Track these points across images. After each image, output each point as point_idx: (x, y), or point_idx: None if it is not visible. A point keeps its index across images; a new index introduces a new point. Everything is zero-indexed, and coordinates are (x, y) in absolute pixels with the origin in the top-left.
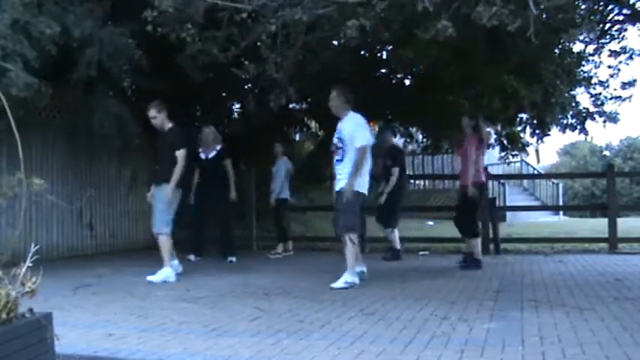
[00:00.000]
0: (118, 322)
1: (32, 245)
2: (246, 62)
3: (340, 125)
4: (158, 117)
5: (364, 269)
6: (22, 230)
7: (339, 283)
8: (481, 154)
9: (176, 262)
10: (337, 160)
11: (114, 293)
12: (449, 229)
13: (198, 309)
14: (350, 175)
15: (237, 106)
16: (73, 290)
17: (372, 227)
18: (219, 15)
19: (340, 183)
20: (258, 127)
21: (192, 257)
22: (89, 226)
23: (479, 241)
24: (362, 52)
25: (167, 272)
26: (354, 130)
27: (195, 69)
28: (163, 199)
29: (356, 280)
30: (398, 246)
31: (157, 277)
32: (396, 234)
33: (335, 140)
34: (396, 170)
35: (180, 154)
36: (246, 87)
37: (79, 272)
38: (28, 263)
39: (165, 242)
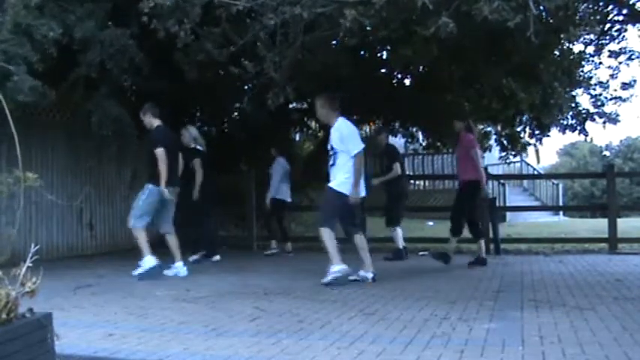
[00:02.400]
0: (118, 322)
1: (32, 245)
2: (245, 61)
3: (331, 132)
4: (144, 119)
5: (368, 276)
6: (22, 230)
7: (328, 278)
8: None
9: (180, 263)
10: (330, 165)
11: (114, 293)
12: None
13: (198, 309)
14: (353, 184)
15: (237, 106)
16: (73, 290)
17: (372, 227)
18: (217, 12)
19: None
20: (258, 127)
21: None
22: (89, 226)
23: (482, 242)
24: (362, 52)
25: (148, 260)
26: (346, 138)
27: (192, 67)
28: (144, 195)
29: (344, 267)
30: (400, 245)
31: (140, 270)
32: (398, 233)
33: (329, 147)
34: (397, 166)
35: (157, 152)
36: (245, 87)
37: (79, 272)
38: (28, 263)
39: (139, 235)
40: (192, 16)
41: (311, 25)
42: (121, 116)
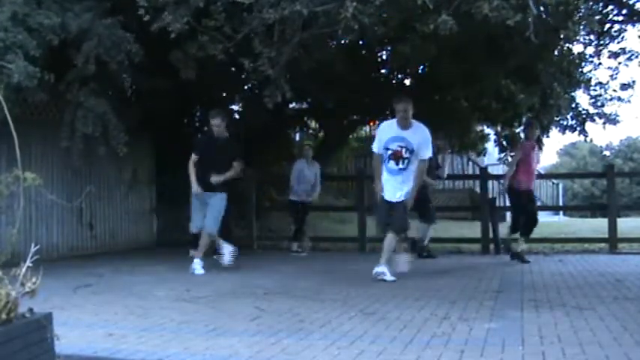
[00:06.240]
0: (118, 321)
1: (32, 245)
2: (241, 58)
3: (405, 134)
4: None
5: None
6: (22, 230)
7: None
8: None
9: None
10: (400, 169)
11: (114, 293)
12: (449, 229)
13: (198, 309)
14: (413, 185)
15: (237, 107)
16: (73, 290)
17: (370, 224)
18: (212, 8)
19: (401, 192)
20: (258, 127)
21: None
22: (89, 226)
23: None
24: (360, 52)
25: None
26: (424, 144)
27: (188, 65)
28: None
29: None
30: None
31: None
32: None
33: (398, 148)
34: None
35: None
36: (245, 87)
37: (79, 272)
38: (28, 263)
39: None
40: (195, 3)
41: (309, 22)
42: (107, 115)
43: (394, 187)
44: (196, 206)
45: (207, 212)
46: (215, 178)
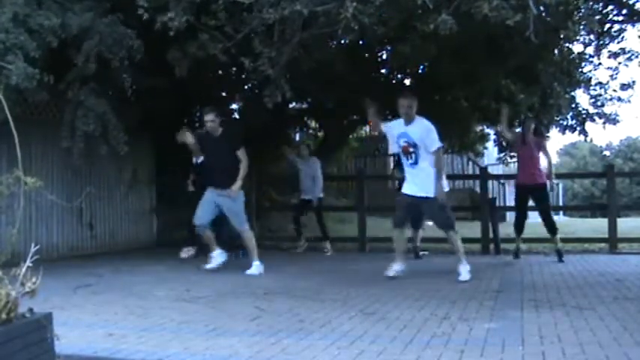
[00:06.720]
0: (118, 321)
1: (32, 245)
2: (241, 58)
3: (407, 129)
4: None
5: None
6: (22, 230)
7: (464, 276)
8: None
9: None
10: (411, 164)
11: (114, 293)
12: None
13: (198, 308)
14: (435, 179)
15: (237, 106)
16: (73, 290)
17: (370, 224)
18: (213, 6)
19: (417, 187)
20: (258, 126)
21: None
22: (89, 226)
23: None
24: (360, 52)
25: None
26: (424, 135)
27: (184, 63)
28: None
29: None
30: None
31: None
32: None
33: (404, 144)
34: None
35: None
36: (245, 87)
37: (79, 272)
38: (28, 263)
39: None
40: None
41: (308, 22)
42: (107, 114)
43: (410, 181)
44: (206, 199)
45: (229, 216)
46: (234, 188)
